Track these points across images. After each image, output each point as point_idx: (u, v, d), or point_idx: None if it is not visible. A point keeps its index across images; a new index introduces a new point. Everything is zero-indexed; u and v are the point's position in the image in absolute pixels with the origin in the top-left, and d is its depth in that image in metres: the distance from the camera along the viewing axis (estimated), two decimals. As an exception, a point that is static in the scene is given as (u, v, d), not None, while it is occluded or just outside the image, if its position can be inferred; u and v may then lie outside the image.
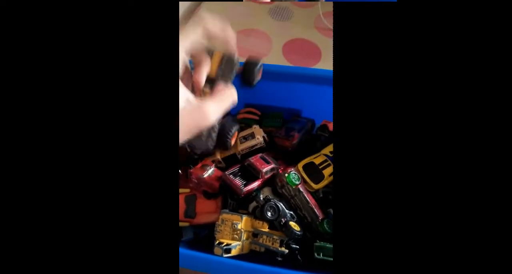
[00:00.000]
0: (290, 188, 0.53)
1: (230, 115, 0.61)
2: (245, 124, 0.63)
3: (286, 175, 0.53)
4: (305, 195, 0.52)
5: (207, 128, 0.36)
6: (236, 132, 0.56)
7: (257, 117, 0.64)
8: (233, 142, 0.56)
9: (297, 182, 0.53)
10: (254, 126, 0.61)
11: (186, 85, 0.37)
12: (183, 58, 0.36)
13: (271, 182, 0.57)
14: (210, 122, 0.35)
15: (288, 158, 0.63)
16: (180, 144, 0.35)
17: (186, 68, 0.38)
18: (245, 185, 0.53)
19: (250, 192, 0.54)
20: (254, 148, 0.60)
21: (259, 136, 0.60)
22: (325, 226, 0.49)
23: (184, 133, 0.34)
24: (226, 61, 0.39)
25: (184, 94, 0.35)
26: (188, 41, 0.35)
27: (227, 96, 0.37)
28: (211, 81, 0.39)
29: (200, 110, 0.35)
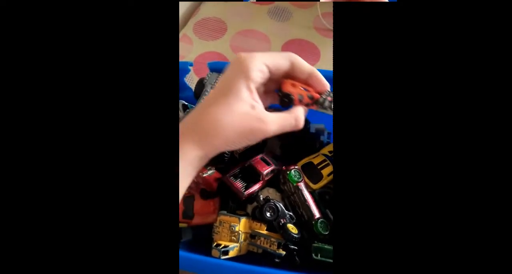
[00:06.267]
0: (291, 185, 0.53)
1: None
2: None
3: (288, 172, 0.53)
4: (304, 194, 0.52)
5: (264, 137, 0.38)
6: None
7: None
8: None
9: (297, 180, 0.53)
10: None
11: (261, 95, 0.40)
12: (262, 69, 0.38)
13: (272, 182, 0.57)
14: (266, 134, 0.38)
15: (287, 158, 0.62)
16: (230, 148, 0.38)
17: (264, 79, 0.40)
18: (246, 188, 0.53)
19: (251, 195, 0.54)
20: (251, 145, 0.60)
21: None
22: (318, 226, 0.49)
23: (235, 135, 0.37)
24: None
25: (251, 100, 0.37)
26: (271, 58, 0.39)
27: (291, 118, 0.39)
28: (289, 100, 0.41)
29: (260, 120, 0.37)
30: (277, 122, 0.38)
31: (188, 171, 0.37)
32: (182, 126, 0.38)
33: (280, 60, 0.39)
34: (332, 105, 0.41)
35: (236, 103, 0.37)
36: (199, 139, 0.37)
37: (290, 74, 0.41)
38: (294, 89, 0.41)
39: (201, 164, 0.38)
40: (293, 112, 0.40)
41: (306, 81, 0.41)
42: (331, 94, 0.41)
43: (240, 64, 0.38)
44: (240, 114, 0.37)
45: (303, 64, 0.40)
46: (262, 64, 0.38)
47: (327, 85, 0.41)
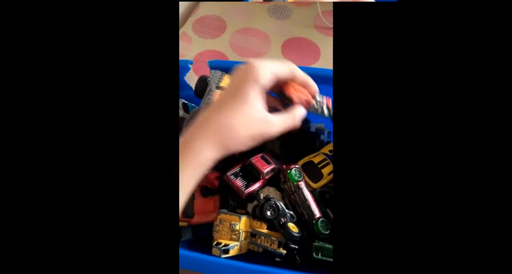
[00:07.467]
0: (291, 184, 0.53)
1: None
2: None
3: (289, 171, 0.53)
4: (304, 193, 0.52)
5: (270, 138, 0.41)
6: None
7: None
8: None
9: (298, 179, 0.53)
10: None
11: (266, 100, 0.43)
12: (271, 77, 0.41)
13: (272, 181, 0.57)
14: (272, 136, 0.41)
15: (287, 157, 0.62)
16: (240, 150, 0.40)
17: (271, 86, 0.43)
18: (246, 186, 0.53)
19: (251, 193, 0.54)
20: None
21: None
22: (319, 226, 0.49)
23: (248, 138, 0.40)
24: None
25: (261, 106, 0.41)
26: (277, 67, 0.42)
27: (291, 118, 0.43)
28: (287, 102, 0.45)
29: (269, 123, 0.41)
30: (280, 123, 0.42)
31: (198, 171, 0.39)
32: (196, 127, 0.40)
33: (283, 68, 0.43)
34: (326, 108, 0.47)
35: (249, 109, 0.40)
36: (214, 141, 0.39)
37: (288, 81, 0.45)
38: (294, 93, 0.45)
39: (211, 165, 0.40)
40: (291, 112, 0.43)
41: (302, 86, 0.45)
42: (323, 99, 0.47)
43: (252, 71, 0.40)
44: (253, 119, 0.40)
45: (300, 72, 0.45)
46: (270, 72, 0.41)
47: (316, 88, 0.46)
